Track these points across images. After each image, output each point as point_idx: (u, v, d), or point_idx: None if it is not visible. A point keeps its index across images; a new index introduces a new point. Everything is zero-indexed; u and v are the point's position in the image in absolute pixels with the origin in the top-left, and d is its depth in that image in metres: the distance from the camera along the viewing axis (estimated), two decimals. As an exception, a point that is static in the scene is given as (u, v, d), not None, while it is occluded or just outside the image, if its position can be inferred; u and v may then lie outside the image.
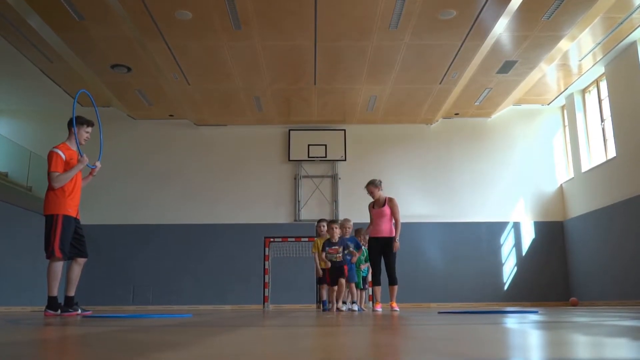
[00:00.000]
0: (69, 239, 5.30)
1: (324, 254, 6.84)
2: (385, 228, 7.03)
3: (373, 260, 7.04)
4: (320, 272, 7.50)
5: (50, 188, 5.29)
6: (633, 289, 9.65)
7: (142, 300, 11.92)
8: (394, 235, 6.99)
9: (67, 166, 5.34)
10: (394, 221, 7.07)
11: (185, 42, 9.05)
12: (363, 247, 7.56)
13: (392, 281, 6.94)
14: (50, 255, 5.21)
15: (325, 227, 7.30)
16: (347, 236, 7.05)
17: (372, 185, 7.25)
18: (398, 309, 6.73)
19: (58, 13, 8.17)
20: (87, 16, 8.30)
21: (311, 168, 12.75)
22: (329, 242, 6.89)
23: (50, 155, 5.31)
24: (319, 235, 7.60)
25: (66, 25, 8.55)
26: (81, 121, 5.58)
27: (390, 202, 7.09)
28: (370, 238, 7.12)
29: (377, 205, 7.18)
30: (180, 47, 9.21)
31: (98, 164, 5.62)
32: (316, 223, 8.05)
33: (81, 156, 5.38)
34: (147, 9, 8.00)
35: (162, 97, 11.60)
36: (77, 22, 8.45)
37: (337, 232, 6.90)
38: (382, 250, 6.96)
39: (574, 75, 11.20)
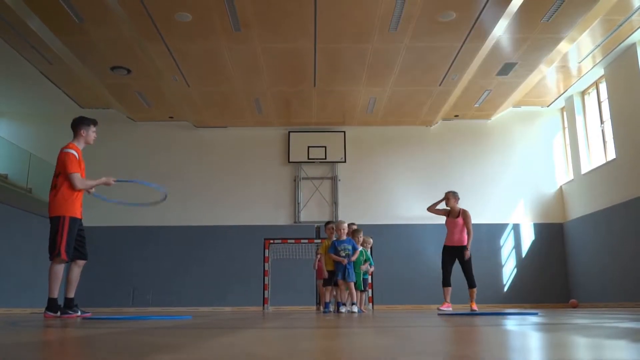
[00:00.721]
0: (74, 240, 5.31)
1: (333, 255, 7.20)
2: (457, 237, 7.58)
3: (443, 265, 7.62)
4: (326, 273, 7.66)
5: (63, 189, 5.28)
6: (633, 291, 9.64)
7: (142, 302, 11.91)
8: (465, 244, 7.51)
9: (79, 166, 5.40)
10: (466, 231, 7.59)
11: (185, 44, 9.05)
12: (362, 248, 7.69)
13: (471, 284, 7.51)
14: (55, 256, 5.20)
15: (335, 229, 7.61)
16: (343, 238, 7.27)
17: (453, 197, 7.86)
18: (477, 309, 7.31)
19: (58, 15, 8.17)
20: (86, 18, 8.31)
21: (311, 170, 12.75)
22: (339, 242, 7.25)
23: (67, 156, 5.30)
24: (328, 237, 8.05)
25: (66, 28, 8.55)
26: (88, 122, 5.60)
27: (464, 213, 7.64)
28: (444, 246, 7.71)
29: (452, 216, 7.71)
30: (180, 49, 9.22)
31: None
32: (324, 225, 8.32)
33: (104, 179, 5.52)
34: (146, 10, 8.01)
35: (161, 99, 11.60)
36: (77, 24, 8.45)
37: (345, 231, 7.32)
38: (453, 257, 7.56)
39: (573, 77, 11.20)
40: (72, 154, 5.31)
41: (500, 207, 12.54)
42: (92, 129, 5.60)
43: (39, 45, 9.18)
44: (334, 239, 7.39)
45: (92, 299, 10.82)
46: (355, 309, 7.07)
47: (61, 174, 5.33)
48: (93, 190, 5.57)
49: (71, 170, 5.25)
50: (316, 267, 8.98)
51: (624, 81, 10.07)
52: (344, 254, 7.15)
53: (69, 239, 5.21)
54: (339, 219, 12.23)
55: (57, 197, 5.28)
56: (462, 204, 12.60)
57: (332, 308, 8.13)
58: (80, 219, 5.44)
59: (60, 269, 5.25)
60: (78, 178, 5.27)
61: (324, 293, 8.23)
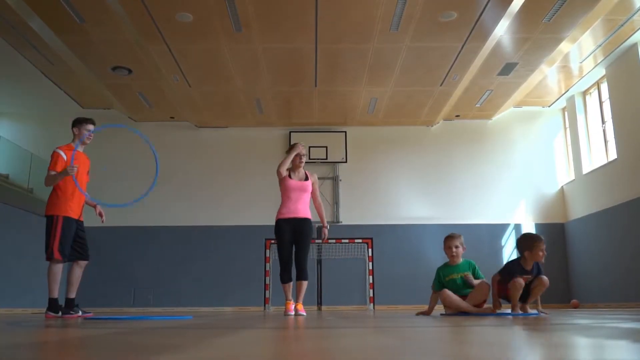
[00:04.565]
0: (69, 240, 5.31)
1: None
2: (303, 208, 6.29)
3: (287, 249, 6.20)
4: None
5: (56, 188, 5.33)
6: (634, 291, 9.63)
7: (143, 302, 11.92)
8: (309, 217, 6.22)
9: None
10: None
11: (186, 44, 9.06)
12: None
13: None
14: (49, 256, 5.22)
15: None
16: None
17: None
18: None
19: (59, 15, 8.18)
20: (88, 18, 8.32)
21: (312, 170, 12.72)
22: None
23: (52, 155, 5.37)
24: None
25: (67, 28, 8.56)
26: (80, 121, 5.61)
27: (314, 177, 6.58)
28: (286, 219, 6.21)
29: (297, 177, 6.56)
30: (181, 49, 9.23)
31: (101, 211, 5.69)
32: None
33: (70, 166, 5.21)
34: (148, 11, 8.02)
35: (162, 99, 11.61)
36: (78, 25, 8.46)
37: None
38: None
39: (574, 77, 11.20)
40: (57, 153, 5.38)
41: (501, 208, 12.53)
42: (84, 126, 5.59)
43: (40, 45, 9.19)
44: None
45: (93, 299, 10.83)
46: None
47: None
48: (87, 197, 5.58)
49: (49, 168, 5.31)
50: None
51: (626, 81, 10.06)
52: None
53: (62, 239, 5.22)
54: (343, 219, 12.23)
55: (51, 196, 5.33)
56: (463, 205, 12.72)
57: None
58: (77, 220, 5.44)
59: (58, 269, 5.26)
60: (47, 175, 5.32)
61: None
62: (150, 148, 5.61)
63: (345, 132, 12.82)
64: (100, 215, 5.67)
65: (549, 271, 14.06)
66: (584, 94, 11.96)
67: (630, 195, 9.90)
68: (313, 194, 5.95)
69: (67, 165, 5.28)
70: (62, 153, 5.38)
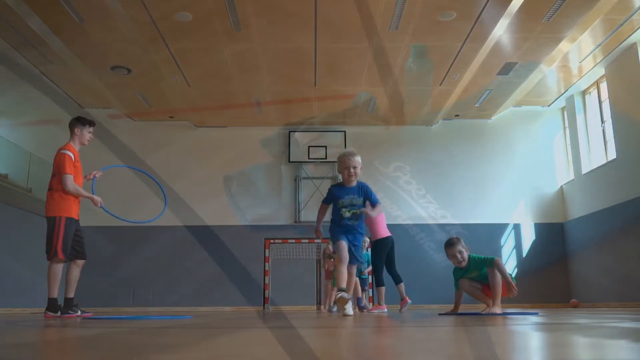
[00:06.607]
0: (70, 241, 5.32)
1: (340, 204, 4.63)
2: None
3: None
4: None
5: (59, 189, 5.30)
6: (633, 291, 9.64)
7: (143, 302, 11.92)
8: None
9: (74, 168, 5.41)
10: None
11: (185, 43, 9.05)
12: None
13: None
14: (52, 256, 5.22)
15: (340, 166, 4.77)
16: (353, 184, 4.69)
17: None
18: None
19: (58, 15, 8.17)
20: (87, 18, 8.31)
21: (311, 169, 12.75)
22: (341, 189, 4.66)
23: (63, 157, 5.32)
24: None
25: (66, 27, 8.55)
26: (83, 122, 5.60)
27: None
28: (383, 238, 7.36)
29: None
30: (180, 48, 9.22)
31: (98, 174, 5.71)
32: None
33: (94, 196, 5.44)
34: (147, 10, 8.01)
35: (162, 99, 11.60)
36: (77, 24, 8.45)
37: (353, 173, 4.62)
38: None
39: (574, 77, 11.20)
40: (68, 155, 5.32)
41: (501, 207, 12.53)
42: (87, 129, 5.58)
43: (39, 44, 9.18)
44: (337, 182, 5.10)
45: (93, 298, 10.82)
46: (349, 310, 4.43)
47: (56, 175, 5.34)
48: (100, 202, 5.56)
49: (64, 172, 5.26)
50: (326, 268, 8.95)
51: (625, 81, 10.07)
52: (348, 214, 4.57)
53: (65, 239, 5.22)
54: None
55: (54, 197, 5.30)
56: (462, 204, 12.72)
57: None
58: (77, 220, 5.45)
59: (58, 268, 5.26)
60: (70, 180, 5.27)
61: (331, 293, 8.22)
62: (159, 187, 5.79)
63: (345, 131, 12.82)
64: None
65: (548, 271, 14.02)
66: (584, 93, 11.97)
67: (629, 195, 9.90)
68: None
69: (74, 162, 5.34)
70: (70, 154, 5.38)
